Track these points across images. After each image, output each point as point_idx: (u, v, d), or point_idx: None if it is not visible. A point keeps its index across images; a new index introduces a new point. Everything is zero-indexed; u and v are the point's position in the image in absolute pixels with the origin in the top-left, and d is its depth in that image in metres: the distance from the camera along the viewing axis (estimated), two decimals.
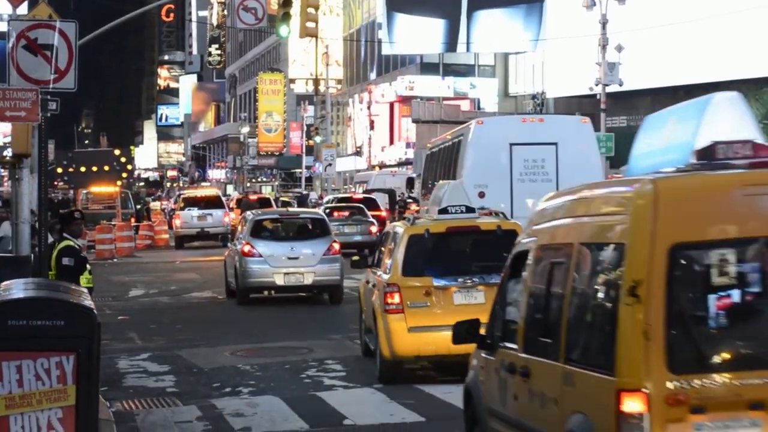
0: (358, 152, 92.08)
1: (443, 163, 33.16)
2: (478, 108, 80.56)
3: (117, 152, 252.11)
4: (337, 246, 27.80)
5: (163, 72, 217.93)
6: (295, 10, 35.64)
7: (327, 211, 42.89)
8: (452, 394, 15.27)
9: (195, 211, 53.83)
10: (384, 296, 16.48)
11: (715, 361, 7.35)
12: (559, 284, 8.58)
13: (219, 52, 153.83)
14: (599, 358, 7.63)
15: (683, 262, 7.48)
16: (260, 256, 27.11)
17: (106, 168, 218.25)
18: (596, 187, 9.13)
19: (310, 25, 43.26)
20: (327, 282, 27.23)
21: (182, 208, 55.26)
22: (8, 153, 22.76)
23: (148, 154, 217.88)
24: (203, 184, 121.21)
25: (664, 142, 10.57)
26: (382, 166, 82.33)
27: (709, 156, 8.25)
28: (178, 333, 23.53)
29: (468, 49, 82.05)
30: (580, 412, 7.80)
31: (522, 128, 30.12)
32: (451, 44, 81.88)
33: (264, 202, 57.46)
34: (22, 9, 16.73)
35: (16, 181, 17.62)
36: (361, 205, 45.07)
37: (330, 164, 78.83)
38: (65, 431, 9.18)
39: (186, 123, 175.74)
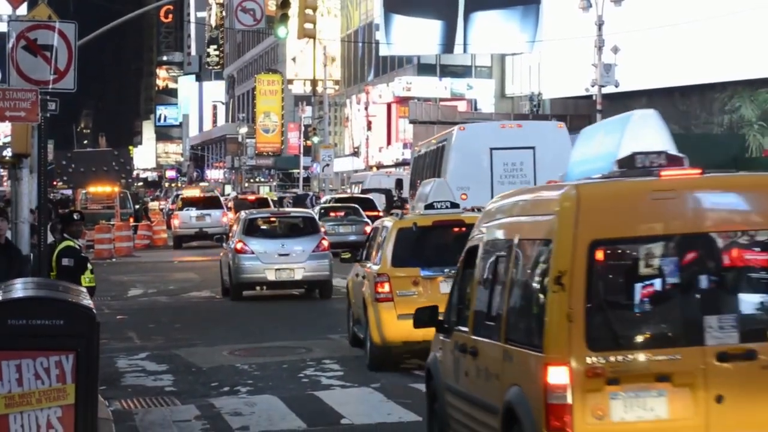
0: (355, 153, 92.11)
1: (429, 165, 34.58)
2: (475, 109, 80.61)
3: (116, 152, 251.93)
4: (326, 243, 28.89)
5: (161, 72, 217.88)
6: (293, 11, 35.66)
7: (323, 210, 44.40)
8: None
9: (193, 211, 53.91)
10: (374, 286, 17.38)
11: (628, 340, 8.57)
12: (501, 275, 9.82)
13: (217, 53, 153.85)
14: (531, 338, 8.79)
15: (601, 256, 8.72)
16: (252, 253, 28.12)
17: (105, 168, 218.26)
18: (531, 192, 10.69)
19: (308, 26, 43.25)
20: (316, 277, 28.27)
21: (181, 208, 55.36)
22: (8, 153, 22.81)
23: (146, 155, 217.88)
24: (201, 184, 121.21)
25: (594, 152, 11.80)
26: (379, 166, 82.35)
27: (629, 165, 9.58)
28: (177, 332, 23.55)
29: (465, 51, 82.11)
30: (517, 384, 8.94)
31: (501, 133, 31.62)
32: (448, 45, 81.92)
33: (262, 202, 57.52)
34: (22, 10, 16.72)
35: (16, 181, 17.64)
36: (356, 206, 45.37)
37: (327, 164, 78.82)
38: (64, 430, 9.18)
39: (185, 123, 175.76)
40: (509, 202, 10.53)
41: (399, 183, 51.20)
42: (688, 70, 64.56)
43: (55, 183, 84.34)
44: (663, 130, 12.38)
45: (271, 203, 57.45)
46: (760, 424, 8.40)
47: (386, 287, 17.26)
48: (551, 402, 8.38)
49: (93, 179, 72.87)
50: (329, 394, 15.90)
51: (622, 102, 67.23)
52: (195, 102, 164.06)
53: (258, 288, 29.04)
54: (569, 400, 8.35)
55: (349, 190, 69.91)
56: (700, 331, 8.56)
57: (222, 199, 60.98)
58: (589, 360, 8.36)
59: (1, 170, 61.50)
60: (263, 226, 30.34)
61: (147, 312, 27.55)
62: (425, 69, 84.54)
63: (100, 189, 68.34)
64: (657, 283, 8.84)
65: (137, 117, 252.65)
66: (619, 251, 9.07)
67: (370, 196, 50.66)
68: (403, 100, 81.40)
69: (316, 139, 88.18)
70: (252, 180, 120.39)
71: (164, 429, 14.15)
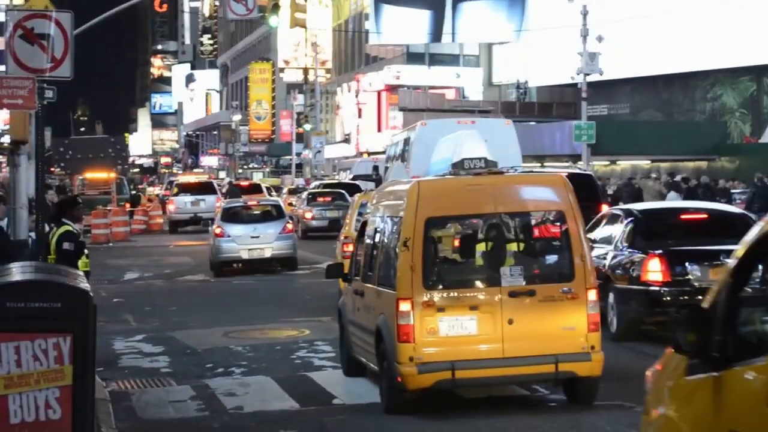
0: (346, 140, 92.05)
1: (399, 154, 37.82)
2: (463, 97, 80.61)
3: (112, 139, 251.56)
4: (290, 226, 33.62)
5: (156, 61, 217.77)
6: (285, 1, 35.60)
7: (310, 195, 48.13)
8: None
9: (188, 197, 53.93)
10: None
11: (451, 283, 13.20)
12: (376, 240, 14.45)
13: (211, 42, 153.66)
14: (391, 282, 13.21)
15: (432, 227, 13.29)
16: (229, 236, 32.15)
17: (102, 155, 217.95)
18: (395, 184, 15.58)
19: (300, 15, 43.20)
20: (283, 255, 32.54)
21: (176, 194, 55.36)
22: (6, 140, 22.71)
23: (142, 141, 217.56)
24: (196, 170, 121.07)
25: (442, 157, 16.58)
26: (369, 153, 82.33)
27: (460, 167, 14.01)
28: (172, 315, 23.58)
29: (453, 40, 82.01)
30: (383, 313, 13.33)
31: (458, 128, 33.64)
32: (436, 35, 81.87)
33: (255, 188, 57.54)
34: None
35: (14, 168, 17.59)
36: (343, 191, 46.17)
37: (319, 151, 78.87)
38: (62, 410, 9.17)
39: (179, 111, 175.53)
40: (385, 191, 15.59)
41: (375, 168, 52.20)
42: (671, 58, 64.56)
43: (52, 169, 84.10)
44: (483, 141, 15.54)
45: (264, 190, 57.47)
46: (535, 336, 12.80)
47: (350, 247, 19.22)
48: (400, 323, 12.69)
49: (90, 165, 72.87)
50: (321, 375, 15.93)
51: (606, 90, 67.36)
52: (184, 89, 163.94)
53: (234, 265, 32.64)
54: (412, 321, 12.68)
55: (338, 177, 69.94)
56: (498, 277, 12.96)
57: (215, 184, 60.82)
58: (425, 296, 12.78)
59: (0, 157, 61.36)
60: (238, 213, 34.08)
61: (143, 295, 27.58)
62: (414, 58, 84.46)
63: (97, 175, 68.21)
64: (470, 246, 13.83)
65: (133, 105, 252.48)
66: (445, 224, 13.86)
67: (357, 182, 50.92)
68: (392, 89, 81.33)
69: (308, 127, 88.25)
70: (246, 166, 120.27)
71: (160, 409, 14.17)
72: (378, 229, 14.58)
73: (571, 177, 30.12)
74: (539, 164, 54.43)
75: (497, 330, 12.82)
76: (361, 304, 14.64)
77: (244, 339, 19.72)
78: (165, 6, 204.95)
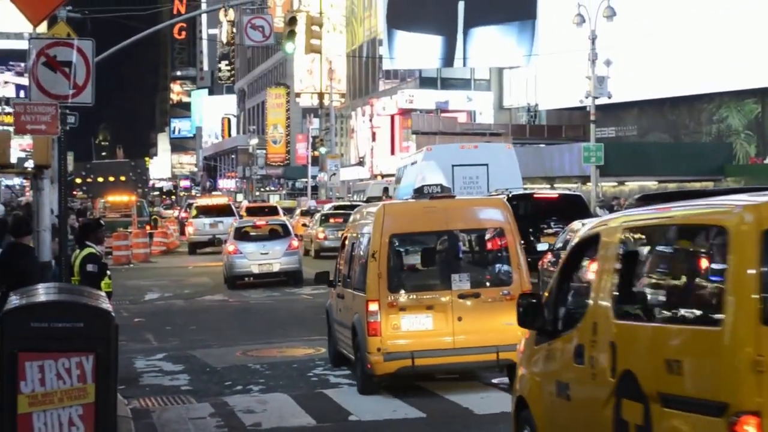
0: (360, 162, 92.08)
1: (406, 176, 39.04)
2: (474, 120, 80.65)
3: (132, 163, 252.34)
4: (296, 243, 35.72)
5: (175, 87, 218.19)
6: (300, 28, 35.74)
7: (323, 217, 49.22)
8: (452, 392, 15.30)
9: (207, 219, 54.10)
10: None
11: (410, 287, 15.54)
12: (353, 252, 16.94)
13: (229, 68, 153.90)
14: (362, 287, 15.54)
15: (395, 242, 15.85)
16: (241, 252, 34.73)
17: (123, 178, 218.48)
18: (367, 206, 18.75)
19: (315, 42, 43.23)
20: (289, 269, 34.60)
21: (195, 216, 55.52)
22: (29, 164, 22.82)
23: (162, 165, 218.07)
24: (214, 193, 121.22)
25: (406, 183, 21.22)
26: (383, 175, 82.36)
27: (419, 192, 16.94)
28: (192, 334, 23.60)
29: (464, 64, 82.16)
30: (357, 312, 15.69)
31: (461, 153, 36.11)
32: (448, 60, 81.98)
33: (272, 210, 57.82)
34: (42, 27, 16.74)
35: (38, 191, 17.64)
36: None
37: (334, 173, 78.90)
38: (85, 428, 9.18)
39: (198, 136, 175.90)
40: (360, 212, 18.08)
41: (386, 190, 52.37)
42: (678, 81, 64.57)
43: (74, 193, 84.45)
44: (440, 170, 19.43)
45: (280, 211, 57.63)
46: (480, 330, 15.03)
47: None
48: (369, 320, 15.09)
49: (111, 189, 73.21)
50: (337, 392, 15.92)
51: (614, 112, 67.36)
52: (208, 115, 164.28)
53: (246, 279, 35.17)
54: (379, 319, 15.07)
55: (351, 198, 69.98)
56: (449, 282, 15.31)
57: (234, 206, 60.96)
58: (389, 298, 15.16)
59: (24, 180, 61.54)
60: (249, 232, 36.53)
61: (163, 315, 27.61)
62: (427, 82, 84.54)
63: (118, 198, 68.38)
64: (427, 256, 16.29)
65: (153, 129, 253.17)
66: (406, 239, 16.41)
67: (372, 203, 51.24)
68: (405, 112, 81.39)
69: (323, 150, 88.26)
70: (262, 189, 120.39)
71: (180, 426, 14.16)
72: (354, 244, 17.19)
73: (563, 197, 30.48)
74: (549, 185, 54.43)
75: (449, 326, 15.15)
76: (342, 306, 17.30)
77: (262, 357, 19.72)
78: (184, 33, 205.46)
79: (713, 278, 7.31)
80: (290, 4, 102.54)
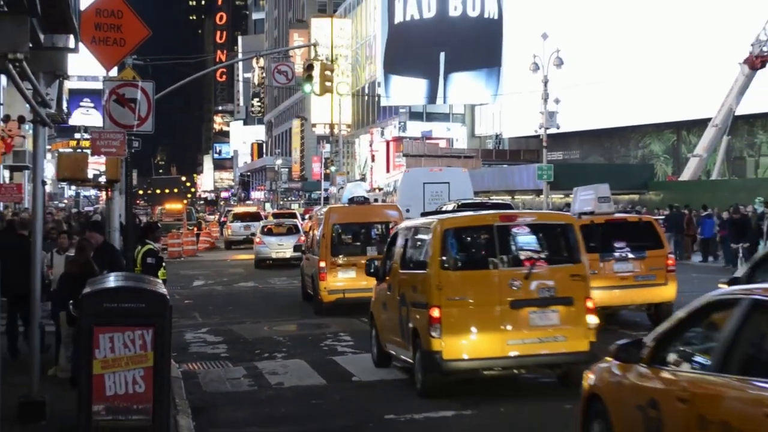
0: (362, 178, 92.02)
1: (392, 190, 42.39)
2: (452, 146, 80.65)
3: (183, 178, 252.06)
4: (303, 238, 35.65)
5: (217, 119, 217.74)
6: (316, 72, 35.81)
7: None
8: None
9: (241, 223, 54.46)
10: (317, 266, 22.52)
11: (343, 254, 21.45)
12: (316, 234, 21.14)
13: (259, 103, 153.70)
14: (317, 253, 21.54)
15: (336, 228, 21.79)
16: (264, 243, 39.55)
17: (176, 190, 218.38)
18: (321, 208, 25.19)
19: (327, 84, 43.19)
20: (296, 256, 34.31)
21: (232, 221, 55.96)
22: (102, 179, 22.87)
23: (206, 180, 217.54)
24: (247, 202, 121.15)
25: (346, 194, 29.69)
26: (380, 189, 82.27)
27: (351, 200, 23.30)
28: (229, 313, 23.60)
29: (444, 102, 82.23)
30: (314, 268, 21.83)
31: (430, 174, 38.32)
32: (431, 98, 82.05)
33: (292, 215, 57.90)
34: (113, 72, 16.76)
35: (109, 201, 17.69)
36: None
37: (342, 187, 78.69)
38: (146, 385, 9.20)
39: (235, 157, 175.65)
40: (318, 212, 23.12)
41: (376, 200, 52.79)
42: (612, 116, 64.72)
43: (137, 202, 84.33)
44: (364, 187, 27.60)
45: (298, 215, 57.78)
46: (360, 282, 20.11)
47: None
48: (320, 272, 21.55)
49: (166, 199, 73.14)
50: (343, 359, 15.95)
51: (562, 140, 67.43)
52: (242, 141, 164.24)
53: (268, 261, 38.72)
54: (326, 271, 21.33)
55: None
56: (365, 251, 21.30)
57: (262, 213, 61.11)
58: (332, 260, 21.43)
59: (98, 192, 61.46)
60: (272, 230, 40.81)
61: (207, 297, 27.61)
62: (414, 116, 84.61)
63: (172, 206, 68.44)
64: (353, 236, 22.26)
65: (200, 152, 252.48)
66: (342, 227, 22.18)
67: None
68: (398, 139, 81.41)
69: (333, 168, 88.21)
70: (285, 199, 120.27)
71: (220, 385, 14.19)
72: (316, 230, 23.28)
73: (494, 205, 31.26)
74: (510, 197, 54.41)
75: (363, 276, 17.36)
76: (307, 264, 24.33)
77: (284, 331, 19.74)
78: (224, 76, 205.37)
79: (426, 249, 12.84)
80: (308, 54, 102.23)
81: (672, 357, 7.15)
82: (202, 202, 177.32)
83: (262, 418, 11.79)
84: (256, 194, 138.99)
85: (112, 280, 10.33)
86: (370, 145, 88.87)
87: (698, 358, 6.93)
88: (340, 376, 14.45)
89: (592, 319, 12.28)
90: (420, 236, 13.55)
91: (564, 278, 12.35)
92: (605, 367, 7.93)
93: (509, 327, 12.03)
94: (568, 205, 36.45)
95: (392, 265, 14.06)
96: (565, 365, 12.32)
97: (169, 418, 9.67)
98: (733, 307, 6.58)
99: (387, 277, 14.26)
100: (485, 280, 12.24)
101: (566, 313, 12.18)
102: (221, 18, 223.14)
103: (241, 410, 12.26)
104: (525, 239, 12.96)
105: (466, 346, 12.03)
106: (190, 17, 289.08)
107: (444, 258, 12.37)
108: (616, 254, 18.30)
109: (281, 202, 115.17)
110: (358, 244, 22.37)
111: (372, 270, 15.12)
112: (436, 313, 11.97)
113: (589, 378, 8.17)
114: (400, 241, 14.07)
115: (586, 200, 21.33)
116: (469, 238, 13.39)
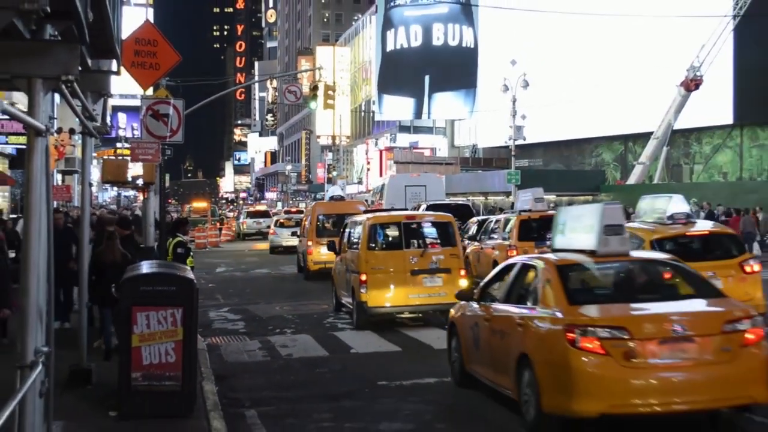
0: (359, 182, 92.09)
1: (379, 191, 43.30)
2: (435, 154, 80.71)
3: (208, 182, 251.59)
4: None
5: (237, 131, 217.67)
6: (320, 92, 36.03)
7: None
8: (419, 333, 15.33)
9: (254, 220, 55.61)
10: (306, 245, 26.18)
11: (324, 236, 23.86)
12: (306, 223, 25.24)
13: (272, 118, 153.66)
14: (306, 236, 25.44)
15: (320, 218, 25.46)
16: (277, 234, 40.09)
17: (201, 192, 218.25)
18: (311, 204, 29.14)
19: (330, 101, 43.24)
20: None
21: (246, 217, 57.67)
22: (140, 182, 22.89)
23: (228, 183, 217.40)
24: (261, 202, 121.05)
25: (329, 194, 26.73)
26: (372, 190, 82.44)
27: (332, 198, 27.06)
28: (247, 295, 23.54)
29: (429, 117, 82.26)
30: (304, 247, 25.96)
31: (411, 179, 39.48)
32: (418, 114, 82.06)
33: (300, 212, 58.20)
34: (149, 91, 16.74)
35: (146, 200, 17.67)
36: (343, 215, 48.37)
37: (342, 189, 78.60)
38: (176, 356, 9.20)
39: (251, 163, 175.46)
40: (308, 206, 23.35)
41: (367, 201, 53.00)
42: (570, 129, 64.80)
43: (169, 201, 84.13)
44: (342, 191, 27.06)
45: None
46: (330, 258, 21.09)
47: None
48: (308, 249, 24.89)
49: (194, 198, 72.93)
50: (343, 334, 15.91)
51: (527, 150, 67.47)
52: (258, 150, 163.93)
53: (279, 249, 39.17)
54: (312, 249, 24.63)
55: None
56: (338, 234, 20.51)
57: (271, 211, 61.77)
58: (316, 240, 24.22)
59: (136, 192, 61.37)
60: (284, 223, 40.89)
61: (228, 282, 27.55)
62: (404, 129, 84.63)
63: (198, 205, 68.33)
64: (333, 223, 24.84)
65: (222, 159, 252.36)
66: (324, 216, 25.57)
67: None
68: (390, 149, 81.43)
69: (334, 173, 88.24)
70: (294, 199, 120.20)
71: (239, 356, 14.18)
72: (306, 220, 26.82)
73: (456, 205, 31.46)
74: (484, 197, 54.42)
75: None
76: (300, 244, 27.39)
77: (293, 310, 19.69)
78: (243, 95, 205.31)
79: (360, 236, 15.66)
80: (313, 77, 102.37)
81: (487, 296, 10.22)
82: (224, 201, 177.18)
83: (274, 384, 11.78)
84: (270, 195, 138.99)
85: (147, 267, 10.32)
86: (366, 154, 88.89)
87: (497, 295, 9.98)
88: (341, 348, 14.42)
89: (463, 282, 15.32)
90: (357, 228, 16.87)
91: (446, 256, 15.96)
92: (458, 305, 11.03)
93: (411, 286, 15.80)
94: (513, 204, 36.49)
95: (343, 245, 17.80)
96: (446, 310, 13.45)
97: (195, 384, 9.66)
98: (514, 267, 9.84)
99: (341, 253, 17.97)
100: (396, 256, 15.93)
101: (446, 278, 15.82)
102: (240, 46, 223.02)
103: (257, 377, 12.25)
104: (423, 230, 16.52)
105: (383, 298, 15.76)
106: (215, 45, 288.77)
107: (369, 242, 16.04)
108: (548, 242, 18.49)
109: (291, 202, 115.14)
110: (335, 229, 24.71)
111: (332, 248, 18.66)
112: (363, 277, 15.77)
113: (451, 312, 11.30)
114: (347, 230, 17.75)
115: (526, 200, 22.43)
116: (386, 230, 16.72)
